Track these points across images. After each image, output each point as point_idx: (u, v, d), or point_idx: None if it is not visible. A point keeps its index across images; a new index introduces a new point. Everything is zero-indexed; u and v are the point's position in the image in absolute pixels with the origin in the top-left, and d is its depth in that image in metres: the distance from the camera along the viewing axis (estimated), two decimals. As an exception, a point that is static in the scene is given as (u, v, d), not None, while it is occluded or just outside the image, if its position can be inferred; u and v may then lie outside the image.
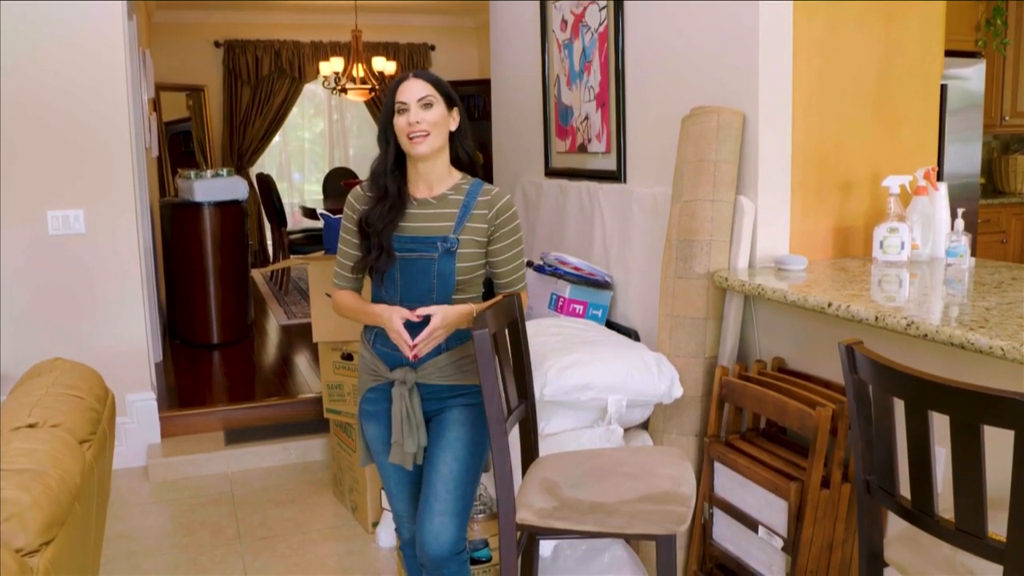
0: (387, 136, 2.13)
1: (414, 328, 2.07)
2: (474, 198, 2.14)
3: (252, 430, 4.20)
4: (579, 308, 3.22)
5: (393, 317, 2.05)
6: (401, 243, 2.10)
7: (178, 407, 4.29)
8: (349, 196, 2.23)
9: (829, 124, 2.73)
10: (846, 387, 1.71)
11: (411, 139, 2.07)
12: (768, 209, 2.68)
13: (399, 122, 2.08)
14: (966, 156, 4.80)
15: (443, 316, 2.04)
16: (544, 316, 3.21)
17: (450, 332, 2.09)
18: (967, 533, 1.49)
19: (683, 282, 2.67)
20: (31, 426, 1.73)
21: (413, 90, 2.08)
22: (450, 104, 2.12)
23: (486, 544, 2.72)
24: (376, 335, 2.18)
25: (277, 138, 9.42)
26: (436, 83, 2.11)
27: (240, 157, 9.06)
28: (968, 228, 2.61)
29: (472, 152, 2.19)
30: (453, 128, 2.15)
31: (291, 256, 7.52)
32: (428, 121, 2.07)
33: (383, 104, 2.15)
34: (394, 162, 2.13)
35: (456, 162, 2.19)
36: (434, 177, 2.15)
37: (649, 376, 2.54)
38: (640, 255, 3.15)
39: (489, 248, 2.16)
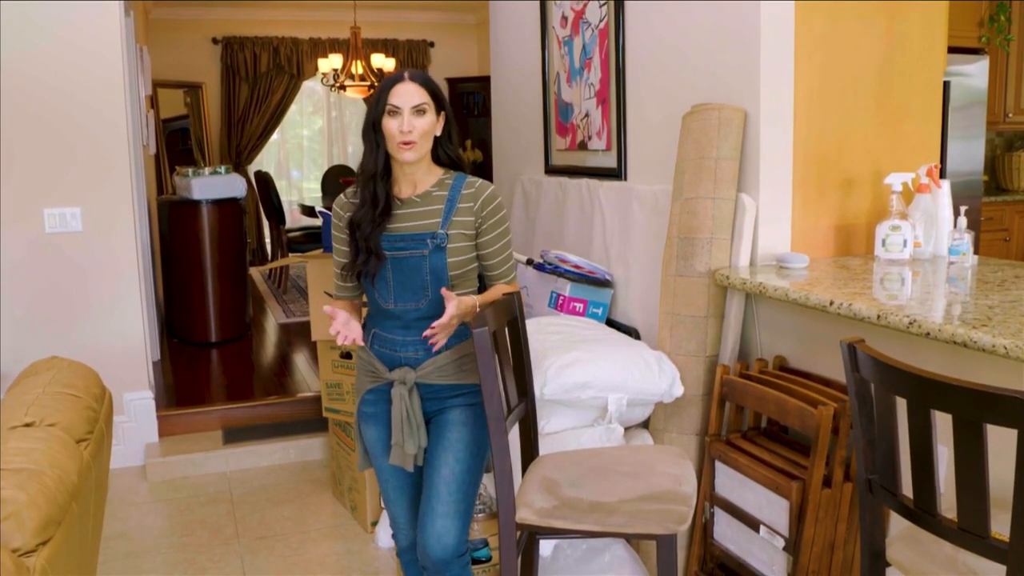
0: (376, 137, 2.08)
1: (410, 323, 2.08)
2: (458, 191, 2.12)
3: (250, 429, 4.18)
4: (579, 306, 3.21)
5: (334, 324, 2.05)
6: (390, 242, 2.08)
7: (176, 406, 4.28)
8: (334, 206, 2.20)
9: (831, 121, 2.72)
10: (848, 386, 1.70)
11: (399, 145, 2.04)
12: (769, 207, 2.66)
13: (389, 125, 2.04)
14: (969, 153, 4.79)
15: (457, 304, 1.99)
16: (544, 314, 3.20)
17: (464, 320, 2.04)
18: (970, 532, 1.48)
19: (684, 280, 2.66)
20: (28, 425, 1.72)
21: (408, 95, 2.04)
22: (439, 109, 2.10)
23: (486, 544, 2.71)
24: (374, 335, 2.17)
25: (275, 135, 9.41)
26: (429, 87, 2.08)
27: (238, 154, 9.04)
28: (971, 226, 2.60)
29: (454, 154, 2.16)
30: (438, 134, 2.11)
31: (289, 254, 7.50)
32: (419, 130, 2.04)
33: (373, 100, 2.09)
34: (384, 165, 2.10)
35: (436, 161, 2.16)
36: (418, 176, 2.13)
37: (650, 375, 2.53)
38: (641, 253, 3.13)
39: (478, 241, 2.14)
